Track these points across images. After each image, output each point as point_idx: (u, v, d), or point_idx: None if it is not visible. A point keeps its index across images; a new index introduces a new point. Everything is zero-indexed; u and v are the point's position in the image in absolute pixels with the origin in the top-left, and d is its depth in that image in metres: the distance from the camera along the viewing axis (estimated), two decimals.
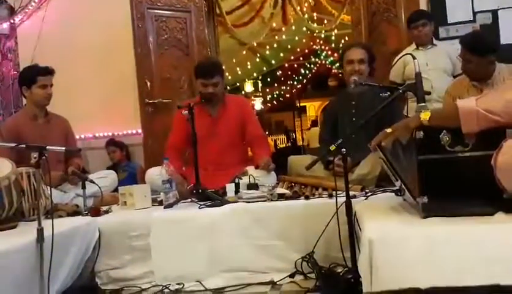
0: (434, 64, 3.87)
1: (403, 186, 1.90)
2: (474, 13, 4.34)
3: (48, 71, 3.47)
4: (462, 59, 3.14)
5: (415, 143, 1.69)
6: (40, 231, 2.10)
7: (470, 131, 1.63)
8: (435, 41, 4.04)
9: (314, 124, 14.11)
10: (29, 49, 4.85)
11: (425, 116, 1.71)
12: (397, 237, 1.57)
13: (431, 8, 4.38)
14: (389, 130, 1.86)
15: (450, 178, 1.68)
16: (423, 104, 2.07)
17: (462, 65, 3.20)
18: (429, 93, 2.60)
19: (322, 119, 5.03)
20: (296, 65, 15.62)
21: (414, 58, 2.23)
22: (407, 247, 1.52)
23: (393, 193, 2.32)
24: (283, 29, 9.38)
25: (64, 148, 2.77)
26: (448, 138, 1.67)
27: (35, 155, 2.19)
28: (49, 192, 2.50)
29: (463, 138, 1.66)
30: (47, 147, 2.29)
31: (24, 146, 2.37)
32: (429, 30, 3.96)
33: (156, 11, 4.76)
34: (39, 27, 4.94)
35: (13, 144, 2.54)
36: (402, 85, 3.36)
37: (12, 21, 5.04)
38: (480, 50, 3.05)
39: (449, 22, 4.38)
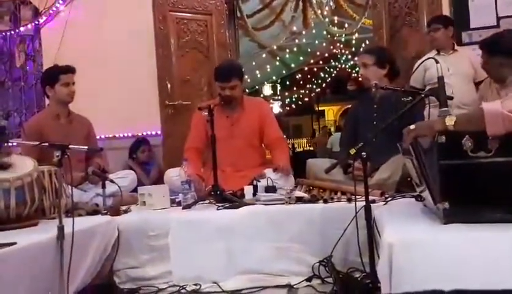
0: (456, 69, 3.81)
1: (427, 190, 1.88)
2: (498, 18, 4.27)
3: (70, 70, 3.54)
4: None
5: (437, 148, 1.66)
6: (61, 229, 2.13)
7: (496, 134, 1.60)
8: (456, 47, 3.99)
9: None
10: (53, 50, 4.92)
11: (450, 120, 1.68)
12: (418, 240, 1.55)
13: (454, 13, 4.31)
14: (412, 127, 1.85)
15: (472, 184, 1.64)
16: (445, 109, 2.04)
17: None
18: (452, 98, 2.55)
19: (343, 122, 5.02)
20: (315, 69, 15.62)
21: (437, 62, 2.19)
22: (429, 250, 1.50)
23: (413, 199, 2.29)
24: (304, 32, 9.36)
25: (86, 147, 2.80)
26: (470, 143, 1.64)
27: (57, 154, 2.21)
28: (70, 190, 2.53)
29: (486, 143, 1.63)
30: (69, 146, 2.31)
31: (47, 144, 2.40)
32: (441, 35, 3.91)
33: (178, 13, 4.80)
34: (63, 29, 5.01)
35: (36, 143, 2.58)
36: (422, 90, 3.33)
37: (37, 22, 5.13)
38: (489, 48, 2.94)
39: (472, 27, 4.31)
